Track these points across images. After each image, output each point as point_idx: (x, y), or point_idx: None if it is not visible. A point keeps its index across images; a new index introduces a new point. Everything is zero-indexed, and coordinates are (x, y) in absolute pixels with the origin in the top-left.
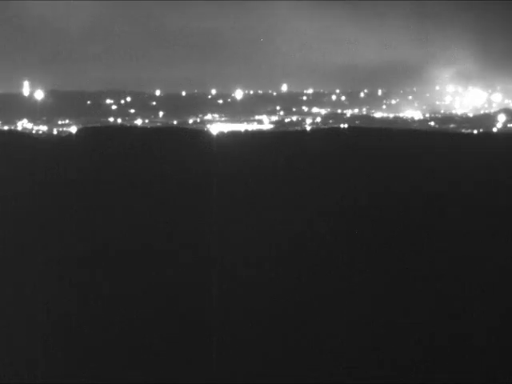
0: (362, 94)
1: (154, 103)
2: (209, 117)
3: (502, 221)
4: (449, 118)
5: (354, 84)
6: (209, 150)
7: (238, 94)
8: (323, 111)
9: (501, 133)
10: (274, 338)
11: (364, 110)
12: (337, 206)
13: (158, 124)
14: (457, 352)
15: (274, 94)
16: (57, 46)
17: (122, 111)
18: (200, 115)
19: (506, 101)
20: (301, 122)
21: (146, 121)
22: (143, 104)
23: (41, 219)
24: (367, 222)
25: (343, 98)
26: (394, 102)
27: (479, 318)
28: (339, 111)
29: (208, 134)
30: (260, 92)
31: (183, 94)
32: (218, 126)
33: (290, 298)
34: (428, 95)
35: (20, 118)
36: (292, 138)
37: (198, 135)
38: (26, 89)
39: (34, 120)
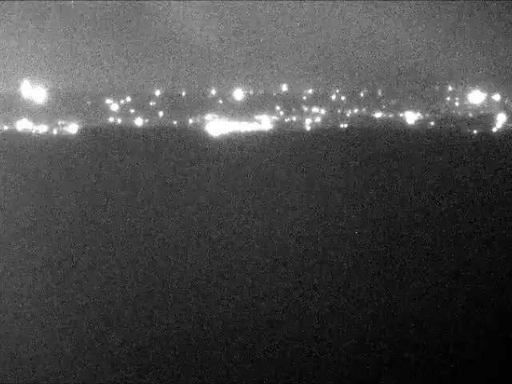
0: (362, 94)
1: (154, 103)
2: (209, 117)
3: (501, 219)
4: (449, 118)
5: (354, 84)
6: (209, 150)
7: (238, 94)
8: (323, 111)
9: (501, 133)
10: (273, 337)
11: (364, 109)
12: (336, 205)
13: (158, 124)
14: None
15: (274, 94)
16: (57, 45)
17: (122, 111)
18: (200, 115)
19: (506, 101)
20: (301, 122)
21: (146, 121)
22: (143, 104)
23: (41, 218)
24: (367, 221)
25: (343, 97)
26: (393, 102)
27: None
28: (339, 111)
29: (208, 134)
30: (260, 92)
31: (183, 94)
32: (217, 126)
33: (289, 295)
34: (428, 95)
35: (20, 118)
36: (292, 137)
37: (198, 135)
38: (25, 89)
39: (34, 120)
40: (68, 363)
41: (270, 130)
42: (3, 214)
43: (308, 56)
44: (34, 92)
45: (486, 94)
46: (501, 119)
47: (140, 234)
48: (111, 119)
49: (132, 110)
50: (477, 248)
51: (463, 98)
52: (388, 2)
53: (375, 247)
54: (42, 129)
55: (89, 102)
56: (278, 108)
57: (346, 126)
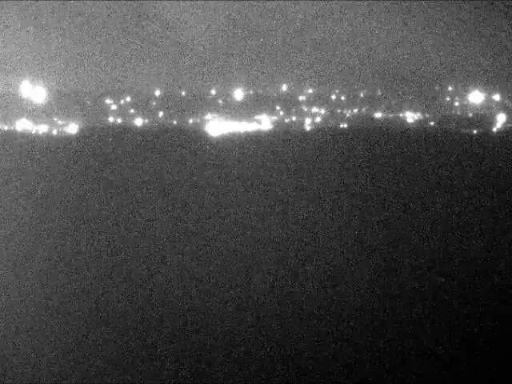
0: (361, 94)
1: (154, 103)
2: (209, 117)
3: (502, 219)
4: (449, 118)
5: (353, 84)
6: (209, 150)
7: (238, 94)
8: (323, 111)
9: (501, 133)
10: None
11: (364, 109)
12: (336, 205)
13: (158, 124)
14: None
15: (274, 94)
16: (57, 45)
17: (122, 111)
18: (200, 115)
19: (506, 101)
20: (301, 122)
21: (146, 121)
22: (143, 104)
23: (41, 217)
24: (367, 220)
25: (343, 97)
26: (393, 102)
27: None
28: (339, 111)
29: (208, 134)
30: (260, 92)
31: (183, 93)
32: (217, 126)
33: (288, 292)
34: (428, 95)
35: (20, 118)
36: (292, 138)
37: (198, 135)
38: (25, 89)
39: (33, 120)
40: (68, 363)
41: (270, 130)
42: (3, 213)
43: (308, 56)
44: (33, 92)
45: (485, 94)
46: (501, 119)
47: (140, 233)
48: (111, 119)
49: (132, 110)
50: (477, 247)
51: (463, 97)
52: (388, 2)
53: (375, 246)
54: (42, 129)
55: (89, 102)
56: (277, 108)
57: (345, 125)
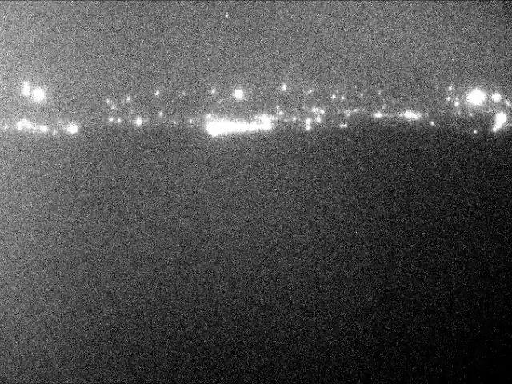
0: (361, 94)
1: (154, 103)
2: (209, 117)
3: (502, 219)
4: (449, 118)
5: (353, 84)
6: (209, 150)
7: (238, 94)
8: (323, 111)
9: (501, 133)
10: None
11: (364, 109)
12: (336, 205)
13: (158, 124)
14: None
15: (274, 94)
16: (57, 45)
17: (122, 111)
18: (200, 115)
19: (506, 101)
20: (301, 122)
21: (146, 121)
22: (143, 104)
23: (41, 217)
24: (367, 220)
25: (343, 98)
26: (393, 101)
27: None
28: (339, 111)
29: (208, 133)
30: (260, 92)
31: (183, 93)
32: (217, 126)
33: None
34: (428, 95)
35: (20, 118)
36: (292, 137)
37: (198, 135)
38: (26, 89)
39: (34, 120)
40: (69, 362)
41: (270, 129)
42: (3, 214)
43: (308, 56)
44: (34, 92)
45: (485, 94)
46: (501, 119)
47: (140, 232)
48: (111, 119)
49: (132, 110)
50: (477, 247)
51: (463, 97)
52: (388, 2)
53: (376, 247)
54: (42, 129)
55: (89, 102)
56: (277, 108)
57: (345, 125)
